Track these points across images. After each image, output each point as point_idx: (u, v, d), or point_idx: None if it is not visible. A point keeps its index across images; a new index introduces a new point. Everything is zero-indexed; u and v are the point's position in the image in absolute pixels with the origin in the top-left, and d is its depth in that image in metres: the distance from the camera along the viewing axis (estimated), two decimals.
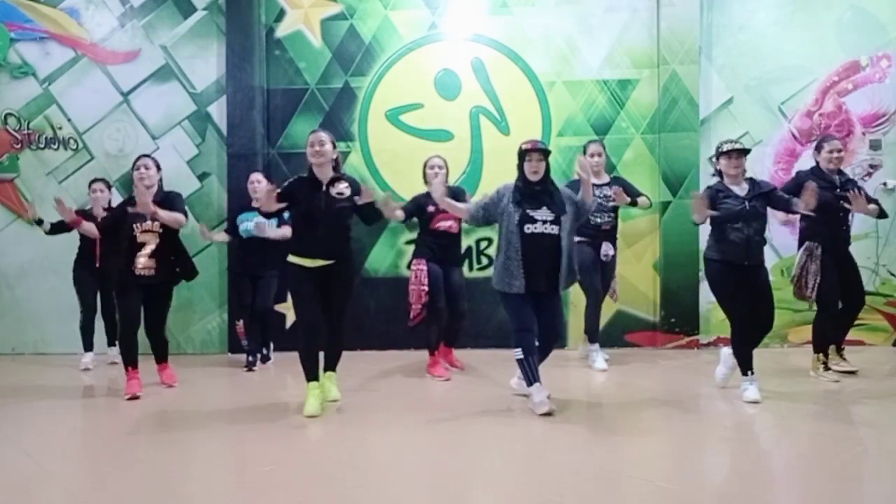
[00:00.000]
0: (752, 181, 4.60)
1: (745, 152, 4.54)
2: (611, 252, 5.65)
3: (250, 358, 5.85)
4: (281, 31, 6.73)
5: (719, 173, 4.63)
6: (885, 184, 6.45)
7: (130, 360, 4.93)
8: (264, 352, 6.04)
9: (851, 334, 5.36)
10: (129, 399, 4.78)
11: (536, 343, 4.32)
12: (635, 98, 6.59)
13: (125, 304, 4.98)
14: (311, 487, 3.13)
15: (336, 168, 4.48)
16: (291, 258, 4.42)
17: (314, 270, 4.38)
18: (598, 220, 5.58)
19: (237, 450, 3.82)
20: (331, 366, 4.62)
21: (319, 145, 4.37)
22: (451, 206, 4.52)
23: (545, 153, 4.34)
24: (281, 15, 6.72)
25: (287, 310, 6.53)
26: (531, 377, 4.27)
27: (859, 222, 6.43)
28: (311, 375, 4.39)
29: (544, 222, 4.25)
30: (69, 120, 6.80)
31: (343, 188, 4.41)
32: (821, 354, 5.07)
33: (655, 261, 6.52)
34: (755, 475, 3.26)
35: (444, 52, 6.68)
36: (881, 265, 6.48)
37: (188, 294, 6.37)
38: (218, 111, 6.73)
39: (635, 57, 6.59)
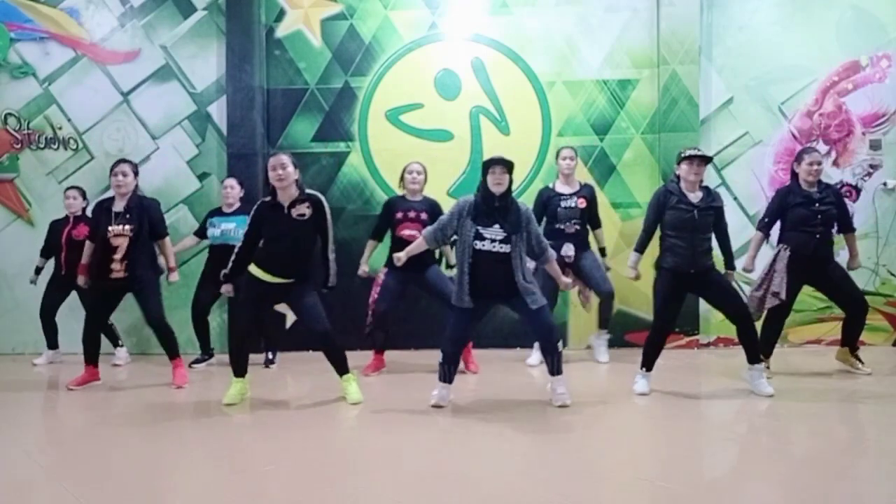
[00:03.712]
0: (707, 190, 4.68)
1: (706, 160, 4.60)
2: (571, 252, 5.66)
3: (200, 356, 6.04)
4: (281, 31, 6.73)
5: (677, 178, 4.69)
6: (885, 184, 6.45)
7: (88, 356, 5.17)
8: (269, 356, 6.06)
9: None
10: (68, 389, 5.09)
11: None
12: (635, 98, 6.59)
13: (91, 302, 5.25)
14: (311, 487, 3.13)
15: (300, 187, 4.53)
16: (252, 268, 4.53)
17: (269, 285, 4.51)
18: (561, 226, 5.69)
19: (237, 449, 3.82)
20: (341, 370, 4.69)
21: (282, 168, 4.43)
22: (410, 253, 4.60)
23: (509, 167, 4.33)
24: (281, 15, 6.72)
25: (287, 310, 6.53)
26: (444, 378, 4.48)
27: (860, 222, 6.43)
28: (238, 373, 4.65)
29: (493, 241, 4.27)
30: (69, 120, 6.80)
31: (304, 209, 4.48)
32: (763, 357, 5.12)
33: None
34: (755, 475, 3.26)
35: (444, 52, 6.68)
36: (881, 265, 6.48)
37: (188, 294, 6.36)
38: (218, 111, 6.73)
39: (635, 57, 6.59)
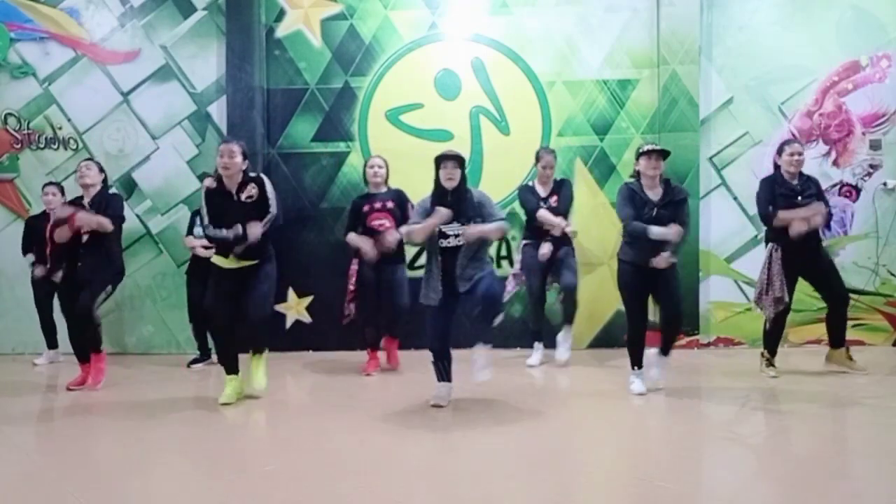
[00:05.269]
0: (667, 184, 4.67)
1: (664, 154, 4.61)
2: (546, 251, 5.64)
3: (198, 356, 6.07)
4: (281, 31, 6.73)
5: (637, 174, 4.68)
6: (885, 184, 6.45)
7: (82, 357, 5.20)
8: None
9: (852, 334, 5.37)
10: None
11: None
12: (635, 98, 6.58)
13: (63, 304, 5.23)
14: (310, 487, 3.13)
15: (244, 173, 4.60)
16: (214, 258, 4.64)
17: (231, 271, 4.57)
18: (539, 224, 5.68)
19: (236, 449, 3.82)
20: (254, 350, 4.69)
21: (229, 157, 4.52)
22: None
23: (460, 161, 4.35)
24: (281, 15, 6.72)
25: (287, 309, 6.54)
26: (441, 376, 4.50)
27: (860, 222, 6.44)
28: (230, 370, 4.65)
29: (456, 236, 4.28)
30: (69, 120, 6.80)
31: (251, 190, 4.56)
32: (767, 352, 5.24)
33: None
34: (755, 475, 3.26)
35: (444, 52, 6.68)
36: (881, 265, 6.47)
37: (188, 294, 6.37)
38: (218, 111, 6.73)
39: (635, 57, 6.58)
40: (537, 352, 5.80)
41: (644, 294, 4.72)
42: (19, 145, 6.82)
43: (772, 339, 5.23)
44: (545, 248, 5.67)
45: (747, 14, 6.57)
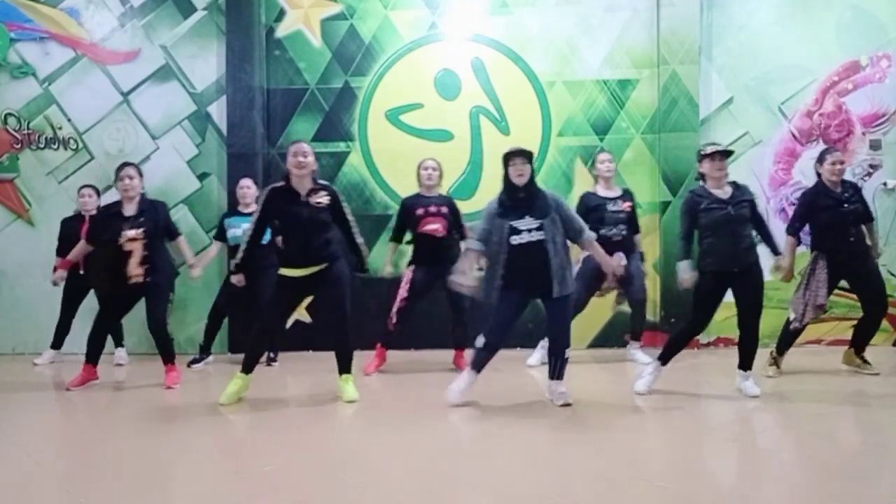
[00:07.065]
0: (735, 185, 4.61)
1: (727, 154, 4.55)
2: (624, 262, 5.49)
3: (198, 355, 6.08)
4: (281, 31, 6.73)
5: (701, 176, 4.63)
6: (885, 184, 6.45)
7: (91, 357, 5.13)
8: (271, 354, 6.08)
9: (851, 334, 5.36)
10: (67, 389, 5.07)
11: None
12: (635, 98, 6.58)
13: (107, 304, 5.22)
14: (310, 488, 3.13)
15: (314, 180, 4.55)
16: (282, 271, 4.54)
17: (300, 280, 4.49)
18: (608, 232, 5.52)
19: (237, 449, 3.82)
20: (345, 368, 4.69)
21: (303, 156, 4.44)
22: (468, 261, 4.49)
23: (528, 157, 4.34)
24: (281, 15, 6.72)
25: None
26: (473, 365, 4.48)
27: None
28: (247, 369, 4.62)
29: (529, 230, 4.27)
30: (69, 120, 6.80)
31: (322, 197, 4.50)
32: (777, 351, 5.25)
33: (655, 261, 6.52)
34: (755, 475, 3.26)
35: (444, 52, 6.68)
36: (881, 265, 6.44)
37: (187, 294, 6.37)
38: (218, 111, 6.73)
39: (635, 57, 6.59)
40: (538, 351, 5.78)
41: (719, 303, 4.58)
42: (19, 145, 6.82)
43: (791, 340, 5.21)
44: (622, 260, 5.46)
45: (747, 14, 6.57)
